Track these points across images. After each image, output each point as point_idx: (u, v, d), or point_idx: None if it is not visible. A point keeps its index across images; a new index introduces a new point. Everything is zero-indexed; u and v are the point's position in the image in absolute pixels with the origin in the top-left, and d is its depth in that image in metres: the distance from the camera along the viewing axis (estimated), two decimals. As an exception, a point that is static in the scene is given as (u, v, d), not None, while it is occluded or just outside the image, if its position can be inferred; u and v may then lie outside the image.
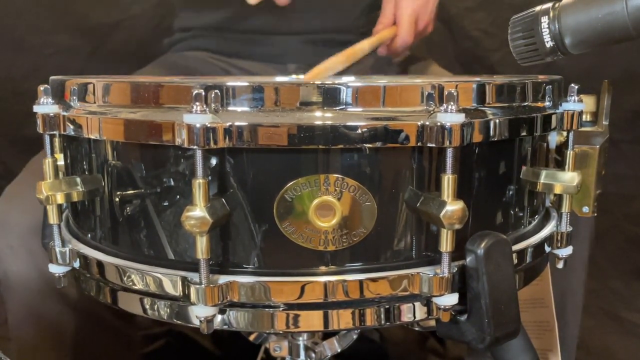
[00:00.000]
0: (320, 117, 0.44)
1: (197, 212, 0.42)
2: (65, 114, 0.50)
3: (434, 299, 0.47)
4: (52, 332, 0.83)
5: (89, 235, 0.54)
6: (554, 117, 0.53)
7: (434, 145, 0.44)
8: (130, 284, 0.49)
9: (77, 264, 0.53)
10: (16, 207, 0.79)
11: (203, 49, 1.12)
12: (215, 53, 1.11)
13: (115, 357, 0.94)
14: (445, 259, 0.46)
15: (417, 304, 0.48)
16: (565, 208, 0.56)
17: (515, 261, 0.51)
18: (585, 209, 0.62)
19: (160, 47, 1.21)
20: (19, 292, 0.80)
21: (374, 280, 0.46)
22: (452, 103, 0.43)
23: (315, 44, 1.07)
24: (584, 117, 0.60)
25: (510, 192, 0.53)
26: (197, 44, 1.13)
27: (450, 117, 0.43)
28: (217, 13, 1.10)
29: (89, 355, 0.87)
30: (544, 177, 0.54)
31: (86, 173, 0.53)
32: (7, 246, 0.79)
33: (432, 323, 0.51)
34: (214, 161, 0.45)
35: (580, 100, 0.54)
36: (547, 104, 0.53)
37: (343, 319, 0.47)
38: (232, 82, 0.45)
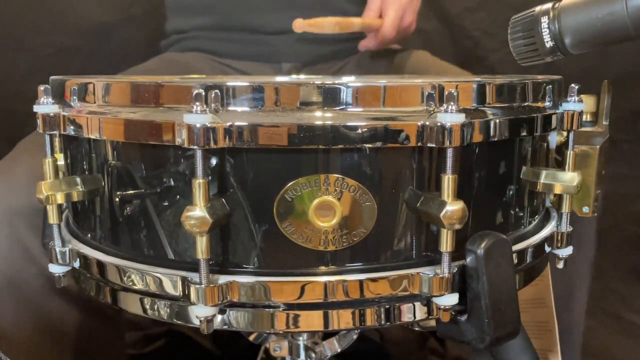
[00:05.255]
0: (321, 117, 0.44)
1: (197, 212, 0.42)
2: (65, 113, 0.50)
3: (434, 299, 0.47)
4: (32, 306, 0.81)
5: (89, 235, 0.54)
6: (554, 117, 0.53)
7: (434, 145, 0.44)
8: (130, 283, 0.49)
9: (77, 264, 0.53)
10: (3, 183, 0.79)
11: (199, 50, 1.13)
12: (211, 54, 1.12)
13: (109, 343, 0.94)
14: (445, 259, 0.46)
15: (417, 304, 0.48)
16: (565, 208, 0.56)
17: (516, 261, 0.51)
18: (586, 209, 0.62)
19: (159, 48, 1.21)
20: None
21: (374, 280, 0.46)
22: (452, 103, 0.43)
23: (309, 42, 1.07)
24: (584, 117, 0.60)
25: (511, 192, 0.53)
26: (193, 45, 1.14)
27: (450, 117, 0.43)
28: (207, 15, 1.11)
29: (77, 339, 0.86)
30: (544, 177, 0.54)
31: (86, 173, 0.53)
32: None
33: (432, 323, 0.51)
34: (214, 161, 0.45)
35: (581, 101, 0.54)
36: (547, 104, 0.53)
37: (343, 319, 0.47)
38: (232, 82, 0.45)
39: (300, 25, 0.95)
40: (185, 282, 0.46)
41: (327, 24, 0.99)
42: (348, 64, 1.13)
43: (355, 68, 1.12)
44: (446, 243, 0.45)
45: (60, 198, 0.50)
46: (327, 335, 0.73)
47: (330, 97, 0.44)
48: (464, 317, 0.48)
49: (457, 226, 0.44)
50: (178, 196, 0.47)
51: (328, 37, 1.04)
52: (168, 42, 1.19)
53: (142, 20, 1.43)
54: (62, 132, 0.50)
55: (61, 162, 0.55)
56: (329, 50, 1.12)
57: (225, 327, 0.47)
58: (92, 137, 0.49)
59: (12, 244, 0.78)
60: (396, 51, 1.15)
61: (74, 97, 0.51)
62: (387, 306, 0.47)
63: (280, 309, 0.46)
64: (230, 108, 0.44)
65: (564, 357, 0.77)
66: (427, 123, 0.44)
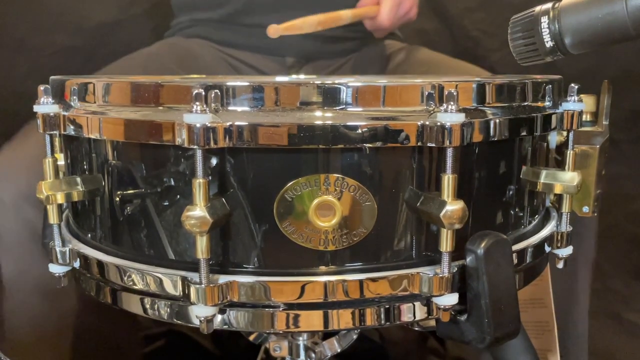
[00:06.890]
0: (321, 116, 0.44)
1: (198, 212, 0.42)
2: (65, 113, 0.50)
3: (434, 299, 0.47)
4: (42, 290, 0.82)
5: (89, 235, 0.54)
6: (554, 117, 0.53)
7: (434, 145, 0.44)
8: (131, 283, 0.49)
9: (77, 264, 0.53)
10: (10, 167, 0.80)
11: (203, 37, 1.13)
12: (215, 42, 1.13)
13: (114, 340, 0.94)
14: (445, 259, 0.46)
15: (417, 304, 0.48)
16: (565, 208, 0.56)
17: (515, 261, 0.51)
18: (586, 209, 0.62)
19: None
20: (9, 247, 0.81)
21: (374, 280, 0.46)
22: (452, 103, 0.44)
23: (313, 38, 1.07)
24: (584, 117, 0.60)
25: (510, 192, 0.53)
26: (197, 32, 1.14)
27: (450, 117, 0.43)
28: (213, 12, 1.12)
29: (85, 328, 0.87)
30: (544, 177, 0.54)
31: (86, 173, 0.53)
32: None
33: (432, 323, 0.51)
34: (214, 161, 0.45)
35: (580, 100, 0.54)
36: (547, 103, 0.53)
37: (343, 319, 0.47)
38: (232, 81, 0.45)
39: (275, 30, 0.92)
40: (186, 282, 0.46)
41: (306, 25, 0.95)
42: (351, 60, 1.14)
43: (358, 65, 1.12)
44: (446, 243, 0.45)
45: (60, 198, 0.51)
46: (327, 335, 0.73)
47: (330, 97, 0.44)
48: (464, 317, 0.48)
49: (457, 226, 0.44)
50: (178, 196, 0.47)
51: (333, 34, 1.04)
52: (172, 32, 1.20)
53: (142, 20, 1.43)
54: (62, 132, 0.50)
55: (61, 162, 0.55)
56: (334, 47, 1.12)
57: (225, 327, 0.47)
58: (92, 137, 0.49)
59: (21, 228, 0.79)
60: (398, 48, 1.15)
61: (74, 97, 0.51)
62: (387, 306, 0.47)
63: (280, 309, 0.46)
64: (230, 108, 0.44)
65: (568, 358, 0.77)
66: (427, 123, 0.44)
